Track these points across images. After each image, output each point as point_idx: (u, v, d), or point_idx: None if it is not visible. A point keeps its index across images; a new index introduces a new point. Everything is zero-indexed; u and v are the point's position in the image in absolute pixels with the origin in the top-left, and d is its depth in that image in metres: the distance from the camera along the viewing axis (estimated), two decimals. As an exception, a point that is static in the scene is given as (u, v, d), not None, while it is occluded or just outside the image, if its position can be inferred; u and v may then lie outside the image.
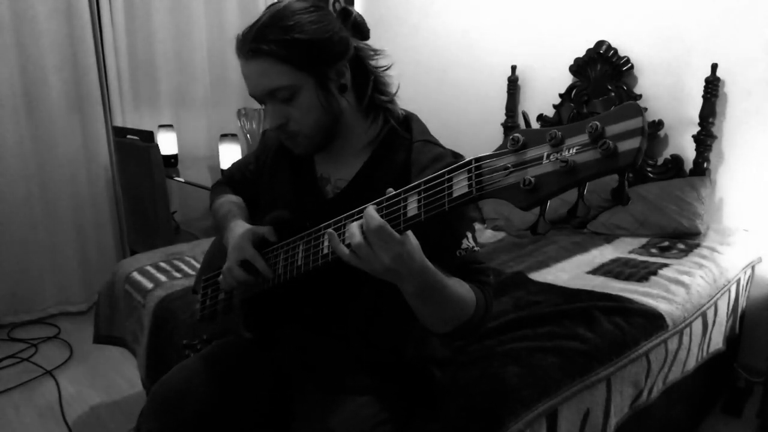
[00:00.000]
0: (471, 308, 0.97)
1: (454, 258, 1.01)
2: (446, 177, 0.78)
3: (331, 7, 1.05)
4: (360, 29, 1.07)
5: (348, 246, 0.86)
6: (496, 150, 0.73)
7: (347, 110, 1.07)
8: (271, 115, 1.04)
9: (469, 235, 1.04)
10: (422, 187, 0.81)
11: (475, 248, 1.04)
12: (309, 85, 1.01)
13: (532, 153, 0.69)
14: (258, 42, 0.98)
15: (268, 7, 1.02)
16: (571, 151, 0.65)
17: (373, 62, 1.09)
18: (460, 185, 0.76)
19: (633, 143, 0.61)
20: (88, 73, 2.96)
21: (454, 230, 1.03)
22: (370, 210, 0.83)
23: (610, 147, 0.62)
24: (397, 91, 1.14)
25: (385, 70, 1.11)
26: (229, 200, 1.30)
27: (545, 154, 0.68)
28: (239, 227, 1.15)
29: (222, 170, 3.11)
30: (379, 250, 0.82)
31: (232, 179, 1.39)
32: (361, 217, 0.85)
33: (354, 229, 0.84)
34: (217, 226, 1.29)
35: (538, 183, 0.67)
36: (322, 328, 1.17)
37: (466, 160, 0.76)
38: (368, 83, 1.08)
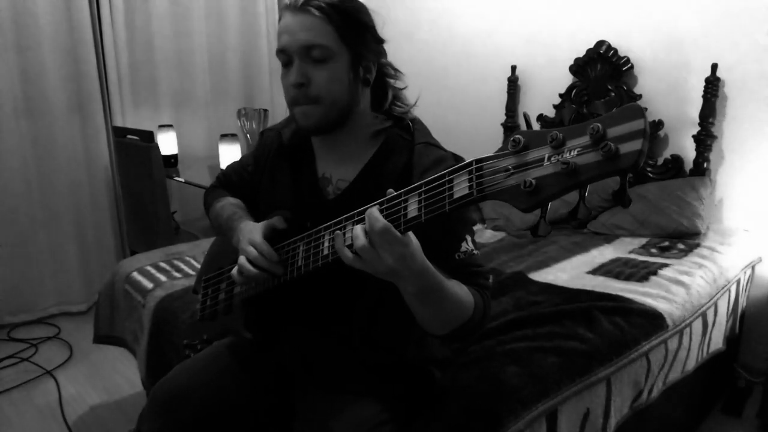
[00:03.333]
0: (469, 311, 0.97)
1: (454, 260, 1.02)
2: (447, 178, 0.78)
3: None
4: (383, 49, 1.13)
5: (350, 247, 0.86)
6: (496, 151, 0.73)
7: (362, 104, 1.10)
8: (296, 72, 1.03)
9: (469, 238, 1.04)
10: (423, 189, 0.81)
11: (475, 251, 1.04)
12: (344, 57, 1.04)
13: (533, 155, 0.69)
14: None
15: None
16: (572, 153, 0.65)
17: (391, 80, 1.14)
18: (461, 187, 0.76)
19: (634, 145, 0.61)
20: (88, 73, 2.96)
21: (453, 233, 1.03)
22: (374, 211, 0.83)
23: (612, 149, 0.61)
24: (416, 102, 1.18)
25: (402, 89, 1.16)
26: (230, 202, 1.29)
27: (546, 156, 0.67)
28: (250, 225, 1.15)
29: (221, 168, 3.11)
30: (383, 252, 0.82)
31: (228, 181, 1.38)
32: (362, 220, 0.86)
33: (358, 231, 0.85)
34: (219, 229, 1.28)
35: (539, 185, 0.67)
36: (322, 328, 1.17)
37: (467, 161, 0.76)
38: (387, 95, 1.13)
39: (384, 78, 1.13)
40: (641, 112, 0.62)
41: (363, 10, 1.06)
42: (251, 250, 1.07)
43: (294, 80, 1.04)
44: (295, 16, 1.02)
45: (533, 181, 0.67)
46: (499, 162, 0.72)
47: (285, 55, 1.05)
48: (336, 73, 1.03)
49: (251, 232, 1.10)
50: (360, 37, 1.04)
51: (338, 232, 0.91)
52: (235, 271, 1.11)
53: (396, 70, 1.15)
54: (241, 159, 1.39)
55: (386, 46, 1.14)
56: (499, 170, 0.72)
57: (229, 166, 1.41)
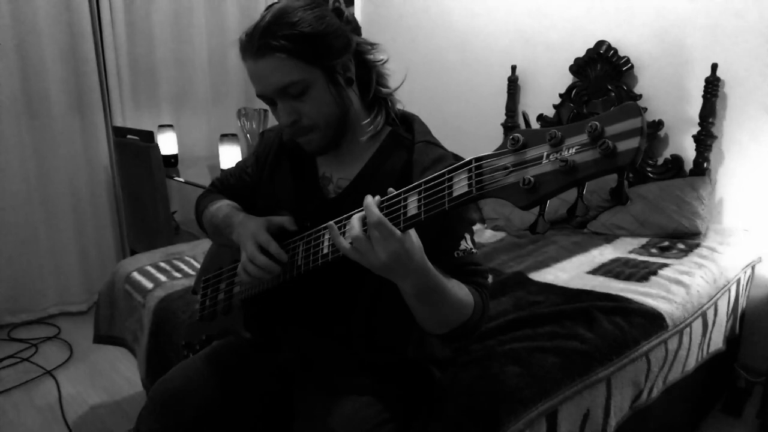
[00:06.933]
0: (469, 311, 0.97)
1: (452, 259, 1.02)
2: (446, 177, 0.78)
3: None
4: (354, 26, 1.08)
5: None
6: (496, 150, 0.73)
7: (354, 104, 1.08)
8: (284, 112, 1.04)
9: (468, 236, 1.04)
10: (422, 187, 0.81)
11: (473, 250, 1.04)
12: (319, 78, 1.01)
13: (531, 153, 0.69)
14: (266, 39, 0.97)
15: (267, 8, 1.02)
16: (570, 151, 0.65)
17: (371, 56, 1.10)
18: (460, 185, 0.76)
19: (632, 143, 0.61)
20: (88, 73, 2.97)
21: (452, 231, 1.03)
22: (371, 204, 0.83)
23: (610, 147, 0.62)
24: (402, 83, 1.15)
25: (384, 63, 1.12)
26: (227, 204, 1.27)
27: (545, 154, 0.68)
28: (252, 221, 1.13)
29: (222, 170, 3.11)
30: (377, 245, 0.82)
31: (226, 186, 1.36)
32: (362, 210, 0.86)
33: (354, 221, 0.85)
34: (215, 229, 1.25)
35: (537, 182, 0.67)
36: (322, 329, 1.17)
37: (466, 159, 0.77)
38: (371, 76, 1.10)
39: (362, 56, 1.08)
40: (638, 110, 0.62)
41: (316, 22, 0.99)
42: (253, 251, 1.05)
43: (285, 122, 1.04)
44: (257, 62, 1.00)
45: (532, 179, 0.68)
46: (499, 160, 0.73)
47: (265, 99, 1.05)
48: (319, 97, 1.02)
49: (257, 230, 1.08)
50: (326, 50, 1.00)
51: (331, 223, 0.92)
52: (240, 269, 1.09)
53: (371, 44, 1.10)
54: (238, 163, 1.39)
55: (386, 47, 1.12)
56: (498, 168, 0.72)
57: (225, 172, 1.40)
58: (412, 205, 0.82)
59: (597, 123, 0.63)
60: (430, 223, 0.81)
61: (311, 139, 1.07)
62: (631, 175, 2.48)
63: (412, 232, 0.85)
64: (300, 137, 1.08)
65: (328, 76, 1.02)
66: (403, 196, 0.83)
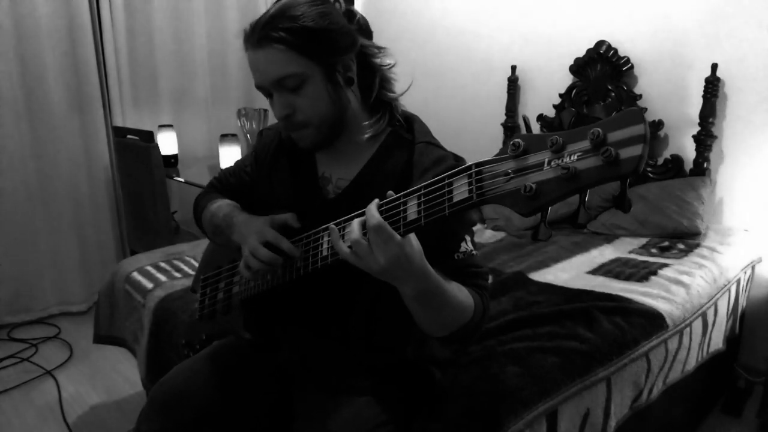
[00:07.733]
0: (469, 313, 0.97)
1: (452, 261, 1.01)
2: (446, 182, 0.78)
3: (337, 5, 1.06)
4: (364, 29, 1.08)
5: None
6: (496, 155, 0.73)
7: (353, 105, 1.08)
8: (278, 105, 1.04)
9: (468, 238, 1.04)
10: (422, 192, 0.81)
11: (474, 252, 1.04)
12: (317, 74, 1.01)
13: (533, 159, 0.69)
14: (267, 30, 0.98)
15: (276, 2, 1.03)
16: (572, 158, 0.65)
17: (378, 60, 1.10)
18: (461, 191, 0.76)
19: (635, 150, 0.60)
20: (88, 73, 2.96)
21: (453, 233, 1.03)
22: (372, 208, 0.83)
23: (612, 154, 0.61)
24: (408, 89, 1.15)
25: (390, 68, 1.12)
26: (227, 203, 1.26)
27: (546, 160, 0.67)
28: (254, 219, 1.12)
29: (221, 169, 3.10)
30: (377, 249, 0.82)
31: (225, 185, 1.35)
32: (363, 214, 0.86)
33: (354, 225, 0.85)
34: (216, 230, 1.24)
35: (539, 189, 0.67)
36: (322, 329, 1.17)
37: (467, 165, 0.76)
38: (375, 80, 1.09)
39: (368, 59, 1.08)
40: (641, 117, 0.61)
41: (319, 18, 0.99)
42: (256, 245, 1.04)
43: (278, 114, 1.05)
44: (257, 52, 1.01)
45: (533, 186, 0.67)
46: (499, 166, 0.72)
47: (263, 90, 1.06)
48: (315, 93, 1.02)
49: (263, 228, 1.07)
50: (327, 46, 1.00)
51: (332, 225, 0.92)
52: (242, 266, 1.09)
53: (379, 48, 1.10)
54: (237, 161, 1.38)
55: (386, 47, 1.11)
56: (498, 174, 0.72)
57: (224, 171, 1.39)
58: (412, 210, 0.82)
59: (599, 129, 0.63)
60: (429, 227, 0.81)
61: (304, 135, 1.07)
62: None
63: (412, 236, 0.85)
64: (293, 132, 1.08)
65: (326, 73, 1.02)
66: (402, 200, 0.83)
